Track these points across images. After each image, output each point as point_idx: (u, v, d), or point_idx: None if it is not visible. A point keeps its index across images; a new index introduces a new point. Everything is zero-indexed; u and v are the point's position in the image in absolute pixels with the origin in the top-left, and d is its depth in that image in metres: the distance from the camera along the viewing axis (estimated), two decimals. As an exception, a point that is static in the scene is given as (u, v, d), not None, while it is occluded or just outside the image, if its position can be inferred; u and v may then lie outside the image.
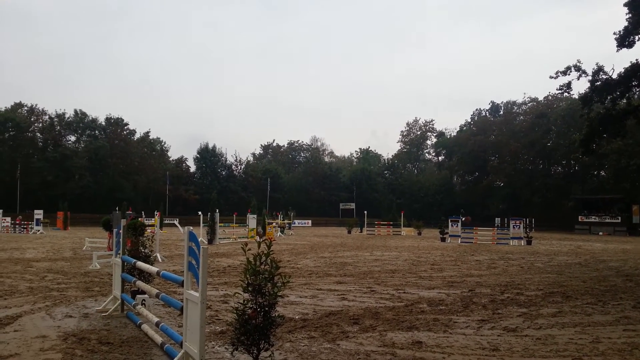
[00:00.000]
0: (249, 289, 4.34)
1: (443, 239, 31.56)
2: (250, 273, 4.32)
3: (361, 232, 45.54)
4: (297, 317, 7.55)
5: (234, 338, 4.43)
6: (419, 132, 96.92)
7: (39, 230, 35.41)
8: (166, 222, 41.20)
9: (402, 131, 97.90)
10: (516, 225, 30.24)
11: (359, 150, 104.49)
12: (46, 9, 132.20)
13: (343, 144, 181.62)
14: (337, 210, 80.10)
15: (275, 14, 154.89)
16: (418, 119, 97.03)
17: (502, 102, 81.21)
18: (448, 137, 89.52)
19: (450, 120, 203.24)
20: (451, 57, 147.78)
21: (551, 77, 18.89)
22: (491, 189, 73.41)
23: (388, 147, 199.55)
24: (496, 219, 55.80)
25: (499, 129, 74.58)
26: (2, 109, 64.10)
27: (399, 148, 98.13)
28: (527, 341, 6.39)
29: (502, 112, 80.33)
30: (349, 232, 45.29)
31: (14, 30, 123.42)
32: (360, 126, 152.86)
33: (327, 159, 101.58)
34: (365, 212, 45.84)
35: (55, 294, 9.50)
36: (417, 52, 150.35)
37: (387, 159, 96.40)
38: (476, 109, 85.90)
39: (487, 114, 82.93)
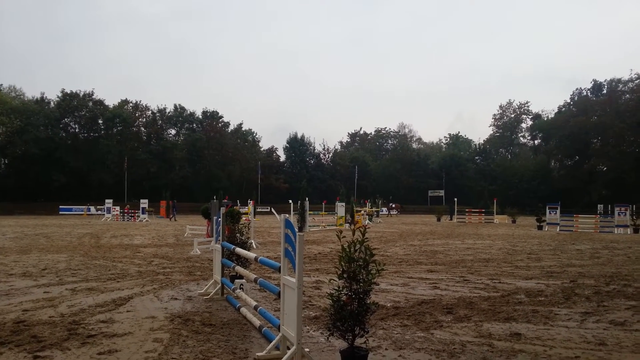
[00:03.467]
0: (344, 275, 4.41)
1: (540, 227, 30.00)
2: (345, 260, 4.39)
3: (451, 219, 44.47)
4: (389, 305, 7.57)
5: (330, 323, 4.52)
6: (512, 115, 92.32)
7: (144, 219, 38.14)
8: (259, 210, 42.71)
9: (494, 114, 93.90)
10: (622, 213, 28.00)
11: (448, 136, 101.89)
12: (153, 11, 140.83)
13: (431, 130, 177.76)
14: (425, 198, 78.74)
15: (362, 3, 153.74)
16: (512, 101, 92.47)
17: (605, 80, 75.09)
18: (545, 119, 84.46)
19: (547, 101, 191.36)
20: (546, 35, 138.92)
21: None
22: (593, 173, 68.25)
23: (478, 131, 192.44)
24: (599, 205, 52.01)
25: (602, 109, 69.10)
26: (111, 106, 69.46)
27: (491, 132, 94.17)
28: (638, 336, 5.94)
29: (605, 91, 74.26)
30: (439, 219, 44.39)
31: (120, 33, 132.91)
32: (447, 110, 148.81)
33: (415, 146, 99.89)
34: (455, 199, 44.68)
35: (161, 277, 10.21)
36: (506, 31, 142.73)
37: (479, 144, 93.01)
38: (576, 89, 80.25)
39: (589, 94, 77.11)
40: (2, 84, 67.58)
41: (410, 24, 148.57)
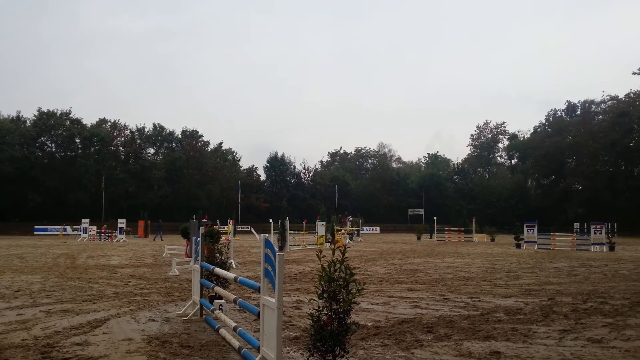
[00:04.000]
0: (324, 295, 4.41)
1: (518, 245, 30.33)
2: (325, 280, 4.39)
3: (431, 238, 44.69)
4: (369, 325, 7.55)
5: (310, 344, 4.50)
6: (489, 135, 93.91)
7: (122, 239, 37.53)
8: (239, 229, 42.37)
9: (472, 134, 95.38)
10: (597, 231, 28.49)
11: (427, 156, 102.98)
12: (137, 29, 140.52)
13: (410, 149, 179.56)
14: (405, 217, 79.11)
15: (340, 21, 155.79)
16: (489, 121, 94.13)
17: (579, 102, 77.02)
18: (521, 139, 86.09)
19: (523, 122, 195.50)
20: (522, 56, 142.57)
21: (634, 73, 17.77)
22: (569, 192, 69.59)
23: (456, 151, 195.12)
24: (575, 224, 52.93)
25: (576, 129, 70.71)
26: (89, 125, 68.70)
27: (469, 152, 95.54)
28: (615, 353, 6.03)
29: (579, 112, 76.16)
30: (419, 238, 44.57)
31: (99, 51, 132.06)
32: (424, 130, 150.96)
33: (394, 165, 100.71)
34: (435, 218, 44.95)
35: (138, 298, 10.03)
36: (483, 50, 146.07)
37: (457, 163, 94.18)
38: (551, 110, 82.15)
39: (563, 114, 79.00)
40: (-24, 102, 66.49)
41: (390, 44, 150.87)
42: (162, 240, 37.13)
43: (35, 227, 53.79)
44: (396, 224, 74.64)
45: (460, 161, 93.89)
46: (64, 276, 13.83)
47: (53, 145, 67.39)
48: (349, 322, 4.43)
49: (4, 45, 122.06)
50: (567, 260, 20.58)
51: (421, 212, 77.40)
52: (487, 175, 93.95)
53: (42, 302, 9.41)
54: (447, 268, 17.08)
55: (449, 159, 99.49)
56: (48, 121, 65.42)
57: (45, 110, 66.31)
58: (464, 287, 11.99)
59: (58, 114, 66.90)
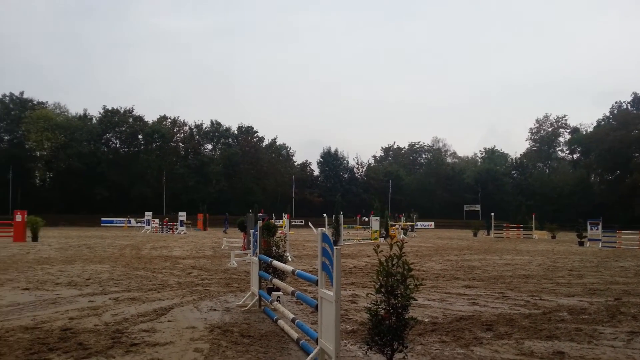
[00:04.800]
0: (382, 290, 4.44)
1: (581, 243, 29.12)
2: (383, 274, 4.42)
3: (488, 234, 43.63)
4: (426, 320, 7.51)
5: (368, 338, 4.55)
6: (550, 129, 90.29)
7: (182, 231, 38.86)
8: (292, 223, 42.94)
9: (531, 128, 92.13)
10: (670, 229, 26.91)
11: (483, 150, 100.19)
12: (187, 29, 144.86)
13: (465, 144, 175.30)
14: (461, 212, 77.54)
15: (393, 18, 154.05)
16: (549, 114, 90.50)
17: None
18: (584, 133, 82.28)
19: (585, 115, 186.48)
20: (583, 47, 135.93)
21: None
22: (636, 188, 65.86)
23: (513, 145, 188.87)
24: (643, 220, 50.18)
25: (643, 122, 67.03)
26: (150, 122, 71.46)
27: (528, 146, 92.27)
28: (689, 359, 5.72)
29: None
30: (475, 234, 43.62)
31: (159, 51, 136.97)
32: (479, 124, 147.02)
33: (449, 160, 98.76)
34: (492, 214, 43.79)
35: (200, 288, 10.40)
36: (541, 42, 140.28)
37: (515, 158, 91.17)
38: (616, 102, 78.14)
39: (629, 107, 74.82)
40: (47, 101, 70.58)
41: (442, 36, 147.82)
42: (226, 232, 38.11)
43: (102, 219, 56.60)
44: (451, 220, 73.32)
45: (519, 156, 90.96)
46: (130, 266, 14.53)
47: (117, 141, 70.64)
48: (407, 317, 4.44)
49: (71, 47, 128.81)
50: (634, 260, 19.58)
51: (477, 207, 75.64)
52: (547, 170, 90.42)
53: (111, 290, 9.94)
54: (506, 265, 16.65)
55: (507, 154, 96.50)
56: (112, 118, 68.65)
57: (110, 108, 69.58)
58: (524, 285, 11.67)
59: (122, 111, 70.01)
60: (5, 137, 65.28)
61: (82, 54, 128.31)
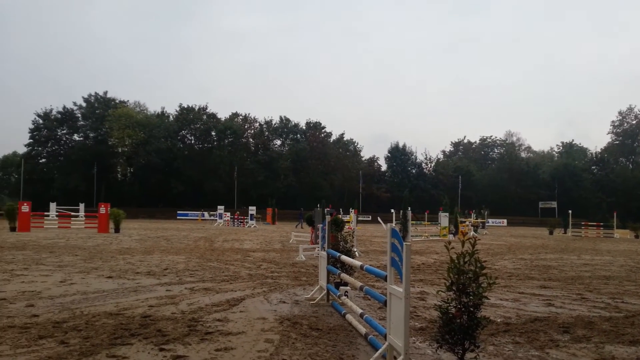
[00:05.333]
0: (453, 287, 4.35)
1: (671, 244, 27.04)
2: (454, 272, 4.34)
3: (565, 233, 41.51)
4: (499, 320, 7.28)
5: (438, 336, 4.48)
6: (634, 122, 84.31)
7: (252, 225, 39.89)
8: (359, 219, 42.89)
9: (613, 121, 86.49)
10: None
11: (560, 144, 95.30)
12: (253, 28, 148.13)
13: (541, 138, 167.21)
14: (535, 209, 74.32)
15: (461, 7, 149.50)
16: (633, 107, 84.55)
17: None
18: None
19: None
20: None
21: None
22: None
23: (592, 139, 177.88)
24: None
25: None
26: (223, 119, 73.82)
27: (610, 140, 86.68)
28: None
29: None
30: (551, 233, 41.65)
31: (230, 49, 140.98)
32: (555, 117, 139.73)
33: (523, 155, 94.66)
34: (570, 211, 41.60)
35: (270, 281, 10.65)
36: (621, 28, 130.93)
37: (595, 152, 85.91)
38: None
39: None
40: (128, 100, 74.58)
41: (512, 27, 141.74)
42: (302, 227, 38.71)
43: (178, 212, 59.21)
44: (525, 217, 70.45)
45: (599, 150, 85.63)
46: (204, 257, 15.12)
47: (192, 137, 73.54)
48: (479, 316, 4.34)
49: (149, 49, 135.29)
50: None
51: (554, 204, 72.20)
52: (630, 165, 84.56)
53: (186, 280, 10.40)
54: (585, 265, 15.79)
55: (586, 148, 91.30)
56: (188, 116, 71.53)
57: (185, 106, 72.51)
58: (604, 287, 11.02)
59: (196, 109, 72.76)
60: (91, 135, 69.68)
61: (159, 54, 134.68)
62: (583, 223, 41.10)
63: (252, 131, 76.79)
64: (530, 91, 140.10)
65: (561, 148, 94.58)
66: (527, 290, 10.30)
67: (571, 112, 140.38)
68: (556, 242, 29.28)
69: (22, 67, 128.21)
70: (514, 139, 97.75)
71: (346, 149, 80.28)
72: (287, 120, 77.33)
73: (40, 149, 68.38)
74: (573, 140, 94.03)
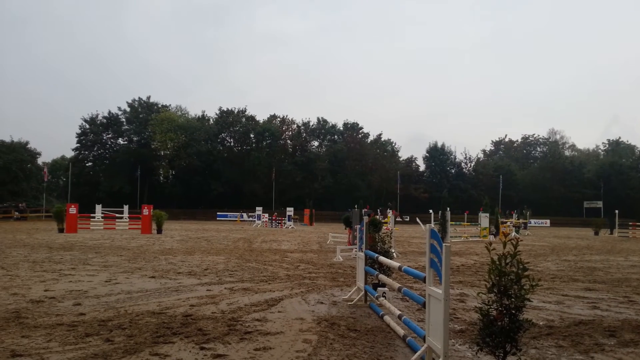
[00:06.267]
0: (494, 289, 4.27)
1: None
2: (495, 273, 4.25)
3: (611, 233, 39.99)
4: (541, 323, 7.09)
5: (478, 338, 4.40)
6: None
7: (290, 226, 40.17)
8: (397, 219, 42.55)
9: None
10: None
11: (606, 142, 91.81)
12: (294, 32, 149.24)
13: (585, 136, 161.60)
14: (580, 209, 71.93)
15: (498, 5, 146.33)
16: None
17: None
18: None
19: None
20: None
21: None
22: None
23: (639, 136, 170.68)
24: None
25: None
26: (261, 121, 74.69)
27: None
28: None
29: None
30: (596, 233, 40.22)
31: (267, 52, 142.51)
32: (600, 114, 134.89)
33: (567, 153, 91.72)
34: (617, 211, 40.04)
35: (307, 281, 10.70)
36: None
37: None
38: None
39: None
40: (170, 104, 76.33)
41: (554, 22, 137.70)
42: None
43: (218, 213, 60.22)
44: (569, 218, 68.27)
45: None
46: (243, 258, 15.33)
47: (231, 140, 74.68)
48: (521, 318, 4.24)
49: (189, 54, 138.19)
50: None
51: (599, 204, 69.71)
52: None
53: (226, 280, 10.57)
54: (632, 267, 15.18)
55: (634, 145, 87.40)
56: (227, 118, 72.71)
57: (225, 109, 73.74)
58: (655, 290, 10.58)
59: (235, 111, 73.89)
60: (135, 139, 71.70)
61: (199, 58, 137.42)
62: (631, 223, 39.42)
63: (290, 133, 77.30)
64: (575, 88, 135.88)
65: (607, 146, 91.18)
66: (571, 293, 10.00)
67: (617, 108, 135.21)
68: (602, 243, 28.28)
69: (71, 74, 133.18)
70: (558, 137, 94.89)
71: (384, 149, 79.73)
72: (325, 121, 77.49)
73: (86, 152, 70.76)
74: (620, 138, 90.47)
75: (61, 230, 27.10)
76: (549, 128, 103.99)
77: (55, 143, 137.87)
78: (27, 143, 62.49)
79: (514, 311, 4.21)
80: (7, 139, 60.78)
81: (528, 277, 4.28)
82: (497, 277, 4.23)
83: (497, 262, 4.25)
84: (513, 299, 4.20)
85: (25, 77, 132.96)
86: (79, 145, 69.57)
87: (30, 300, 8.04)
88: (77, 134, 69.24)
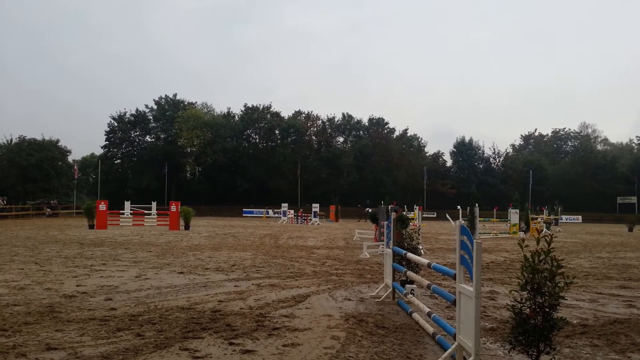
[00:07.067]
0: (527, 287, 4.17)
1: None
2: (528, 271, 4.15)
3: (647, 230, 38.89)
4: (575, 322, 6.92)
5: (511, 337, 4.31)
6: None
7: (316, 222, 40.20)
8: (424, 215, 42.17)
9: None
10: None
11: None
12: (320, 29, 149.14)
13: (618, 129, 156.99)
14: (613, 205, 70.10)
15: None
16: None
17: None
18: None
19: None
20: None
21: None
22: None
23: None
24: None
25: None
26: (286, 117, 74.89)
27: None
28: None
29: None
30: (631, 229, 39.11)
31: (290, 48, 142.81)
32: (633, 106, 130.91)
33: (600, 147, 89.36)
34: (653, 207, 38.90)
35: (334, 278, 10.68)
36: None
37: (680, 143, 79.68)
38: None
39: None
40: (196, 102, 77.14)
41: (584, 14, 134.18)
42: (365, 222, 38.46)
43: (244, 209, 60.66)
44: (602, 214, 66.55)
45: (686, 140, 79.31)
46: (269, 254, 15.40)
47: (257, 136, 75.06)
48: (555, 317, 4.13)
49: (214, 51, 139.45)
50: None
51: (633, 200, 67.83)
52: None
53: (253, 277, 10.63)
54: (671, 265, 14.72)
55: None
56: (252, 115, 73.10)
57: (250, 106, 74.16)
58: (695, 289, 10.22)
59: (260, 108, 74.23)
60: (162, 136, 72.69)
61: (224, 55, 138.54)
62: (667, 219, 38.30)
63: (315, 129, 77.25)
64: (606, 81, 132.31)
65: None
66: (605, 291, 9.75)
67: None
68: (637, 240, 27.50)
69: (99, 73, 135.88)
70: (589, 130, 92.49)
71: (410, 144, 78.96)
72: (350, 117, 77.18)
73: (115, 150, 72.05)
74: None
75: (91, 227, 27.68)
76: (581, 122, 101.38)
77: (85, 141, 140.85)
78: (57, 141, 63.88)
79: (547, 309, 4.10)
80: (39, 137, 62.30)
81: (562, 275, 4.16)
82: (531, 275, 4.13)
83: (531, 259, 4.15)
84: (547, 297, 4.09)
85: (55, 80, 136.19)
86: (107, 142, 70.87)
87: (64, 295, 8.22)
88: (105, 131, 70.54)
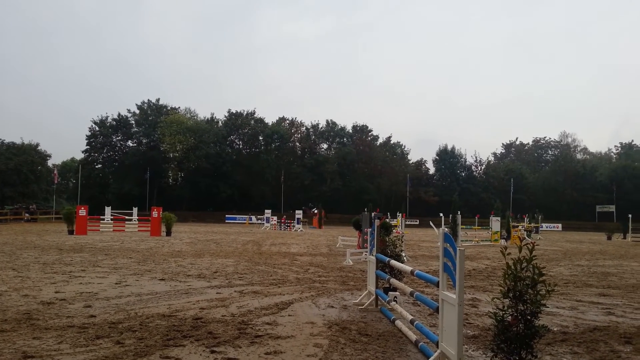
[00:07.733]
0: (509, 294, 4.20)
1: None
2: (510, 278, 4.18)
3: (624, 238, 39.56)
4: (555, 329, 6.99)
5: (493, 344, 4.33)
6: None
7: (299, 229, 40.13)
8: (407, 223, 42.35)
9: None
10: None
11: (619, 145, 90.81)
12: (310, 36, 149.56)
13: (597, 139, 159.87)
14: (592, 214, 71.24)
15: (511, 7, 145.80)
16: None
17: None
18: None
19: None
20: None
21: None
22: None
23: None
24: None
25: None
26: (270, 124, 74.79)
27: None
28: None
29: None
30: (609, 238, 39.79)
31: (276, 55, 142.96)
32: (611, 116, 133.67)
33: (579, 156, 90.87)
34: (630, 215, 39.61)
35: (317, 285, 10.65)
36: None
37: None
38: None
39: None
40: (179, 107, 76.63)
41: (567, 25, 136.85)
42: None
43: (226, 215, 60.30)
44: (581, 222, 67.60)
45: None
46: (252, 261, 15.30)
47: (240, 142, 74.81)
48: (536, 324, 4.16)
49: (200, 57, 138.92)
50: None
51: (612, 208, 69.00)
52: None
53: (236, 283, 10.54)
54: (648, 273, 14.98)
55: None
56: (236, 121, 72.88)
57: (234, 111, 73.95)
58: (671, 296, 10.41)
59: (244, 114, 74.02)
60: (144, 141, 71.99)
61: (208, 61, 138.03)
62: (644, 228, 39.04)
63: (299, 135, 77.33)
64: (586, 90, 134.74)
65: (620, 149, 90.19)
66: (585, 298, 9.88)
67: (628, 111, 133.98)
68: (615, 248, 27.97)
69: (79, 77, 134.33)
70: (569, 139, 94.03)
71: (393, 152, 79.43)
72: (334, 123, 77.38)
73: (96, 154, 71.12)
74: (633, 141, 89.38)
75: (71, 232, 27.25)
76: (561, 131, 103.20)
77: (65, 145, 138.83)
78: (37, 145, 62.94)
79: (529, 317, 4.14)
80: (18, 141, 61.28)
81: (544, 282, 4.20)
82: (513, 282, 4.17)
83: (513, 267, 4.18)
84: (529, 305, 4.13)
85: (38, 79, 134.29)
86: (88, 147, 69.95)
87: (41, 302, 8.06)
88: (86, 136, 69.63)
